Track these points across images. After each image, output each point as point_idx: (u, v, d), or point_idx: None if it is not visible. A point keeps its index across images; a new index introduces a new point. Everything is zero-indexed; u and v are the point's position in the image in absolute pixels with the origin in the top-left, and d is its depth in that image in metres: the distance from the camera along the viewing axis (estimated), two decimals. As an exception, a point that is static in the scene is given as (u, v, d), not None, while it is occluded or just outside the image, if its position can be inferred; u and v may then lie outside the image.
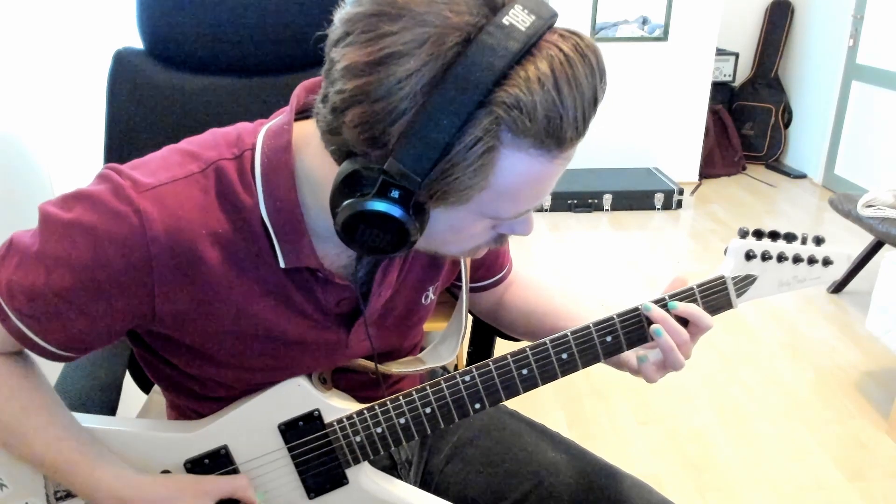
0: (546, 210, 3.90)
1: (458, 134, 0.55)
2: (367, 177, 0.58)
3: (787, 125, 4.68)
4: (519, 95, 0.54)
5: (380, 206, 0.58)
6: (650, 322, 0.80)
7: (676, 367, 0.80)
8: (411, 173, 0.56)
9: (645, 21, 4.00)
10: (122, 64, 1.17)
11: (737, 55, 4.61)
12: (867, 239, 2.88)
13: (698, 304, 0.81)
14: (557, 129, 0.56)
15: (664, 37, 4.03)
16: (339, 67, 0.56)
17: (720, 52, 4.45)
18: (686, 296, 0.81)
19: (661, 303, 0.81)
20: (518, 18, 0.54)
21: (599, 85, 0.57)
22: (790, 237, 0.83)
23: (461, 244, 0.69)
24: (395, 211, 0.58)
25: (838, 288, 2.95)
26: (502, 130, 0.55)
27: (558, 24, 0.58)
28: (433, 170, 0.56)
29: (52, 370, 0.84)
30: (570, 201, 3.90)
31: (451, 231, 0.65)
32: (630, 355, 0.86)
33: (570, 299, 0.99)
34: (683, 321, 0.80)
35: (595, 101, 0.57)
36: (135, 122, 1.17)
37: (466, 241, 0.68)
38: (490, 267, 0.99)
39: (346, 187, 0.59)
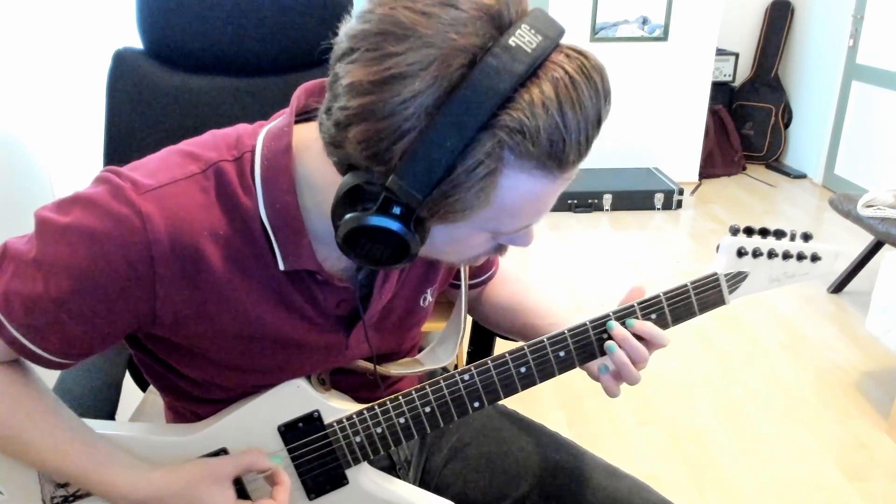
0: (546, 210, 3.90)
1: (461, 156, 0.55)
2: (369, 192, 0.59)
3: (787, 125, 4.68)
4: (522, 120, 0.54)
5: (381, 221, 0.58)
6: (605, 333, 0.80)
7: (631, 381, 0.81)
8: (413, 191, 0.56)
9: (645, 21, 4.00)
10: (122, 64, 1.17)
11: (737, 55, 4.61)
12: (867, 239, 2.88)
13: (692, 301, 0.82)
14: (560, 152, 0.56)
15: (664, 37, 4.03)
16: (344, 83, 0.56)
17: (720, 52, 4.45)
18: (680, 293, 0.82)
19: (608, 319, 0.80)
20: (524, 39, 0.54)
21: (604, 106, 0.57)
22: (780, 234, 0.84)
23: (460, 254, 0.69)
24: (396, 227, 0.58)
25: (838, 288, 2.95)
26: (505, 153, 0.55)
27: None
28: (435, 189, 0.56)
29: (51, 371, 0.83)
30: (570, 201, 3.90)
31: (450, 243, 0.66)
32: (592, 365, 0.86)
33: (545, 298, 1.00)
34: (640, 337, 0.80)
35: (598, 122, 0.57)
36: (135, 122, 1.17)
37: (465, 251, 0.69)
38: (482, 266, 1.00)
39: (348, 200, 0.60)
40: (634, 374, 0.80)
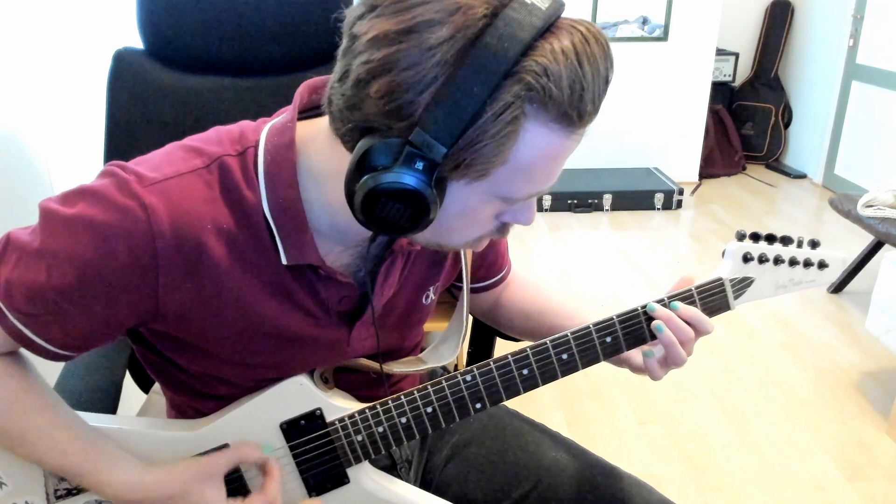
0: (546, 210, 3.90)
1: (489, 101, 0.55)
2: (388, 151, 0.58)
3: (787, 125, 4.68)
4: (546, 64, 0.55)
5: (404, 177, 0.57)
6: (651, 320, 0.80)
7: (679, 362, 0.81)
8: (437, 143, 0.56)
9: (645, 21, 4.00)
10: (122, 64, 1.17)
11: (737, 55, 4.61)
12: (867, 239, 2.88)
13: (696, 306, 0.82)
14: (580, 100, 0.57)
15: (664, 37, 4.04)
16: (366, 39, 0.57)
17: (720, 52, 4.46)
18: (684, 297, 0.82)
19: (662, 303, 0.81)
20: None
21: (610, 67, 0.59)
22: (786, 240, 0.84)
23: (466, 232, 0.68)
24: (420, 183, 0.58)
25: (838, 288, 2.95)
26: (528, 100, 0.56)
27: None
28: (460, 139, 0.56)
29: (51, 370, 0.83)
30: (570, 201, 3.90)
31: (459, 215, 0.65)
32: (633, 352, 0.86)
33: (569, 298, 1.00)
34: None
35: (607, 81, 0.59)
36: (135, 121, 1.17)
37: (472, 228, 0.68)
38: (490, 267, 0.99)
39: (365, 164, 0.59)
40: (682, 354, 0.80)
